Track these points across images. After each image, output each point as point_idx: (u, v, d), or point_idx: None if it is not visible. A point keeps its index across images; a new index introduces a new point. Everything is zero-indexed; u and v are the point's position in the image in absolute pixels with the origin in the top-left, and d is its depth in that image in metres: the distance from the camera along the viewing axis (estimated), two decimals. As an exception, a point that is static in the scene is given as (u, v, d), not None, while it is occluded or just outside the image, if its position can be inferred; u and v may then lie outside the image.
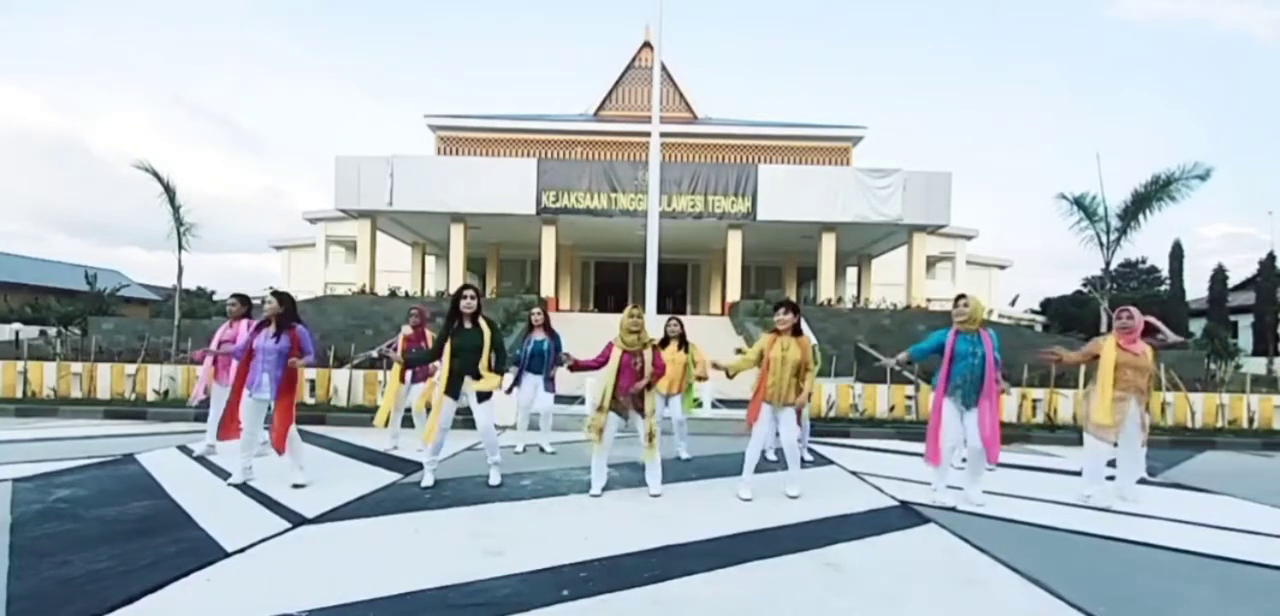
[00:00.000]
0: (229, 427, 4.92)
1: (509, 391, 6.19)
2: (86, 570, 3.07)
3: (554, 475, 5.50)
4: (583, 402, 8.53)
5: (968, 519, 4.34)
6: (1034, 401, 9.29)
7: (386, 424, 6.36)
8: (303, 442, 5.04)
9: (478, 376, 4.75)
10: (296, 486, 4.68)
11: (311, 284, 28.44)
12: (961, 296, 4.74)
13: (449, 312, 4.82)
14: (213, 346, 5.88)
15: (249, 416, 4.82)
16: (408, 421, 6.74)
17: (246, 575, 3.10)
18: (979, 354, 4.53)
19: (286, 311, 4.81)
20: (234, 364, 5.70)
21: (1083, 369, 9.84)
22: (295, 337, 4.78)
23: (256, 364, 4.77)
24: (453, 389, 4.74)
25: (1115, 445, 4.85)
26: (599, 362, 4.77)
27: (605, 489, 5.05)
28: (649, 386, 4.71)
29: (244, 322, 5.91)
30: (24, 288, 29.77)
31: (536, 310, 6.61)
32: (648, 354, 4.68)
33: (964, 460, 5.17)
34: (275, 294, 4.89)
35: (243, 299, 6.13)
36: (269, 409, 4.80)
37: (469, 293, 4.80)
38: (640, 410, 4.71)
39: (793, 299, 5.64)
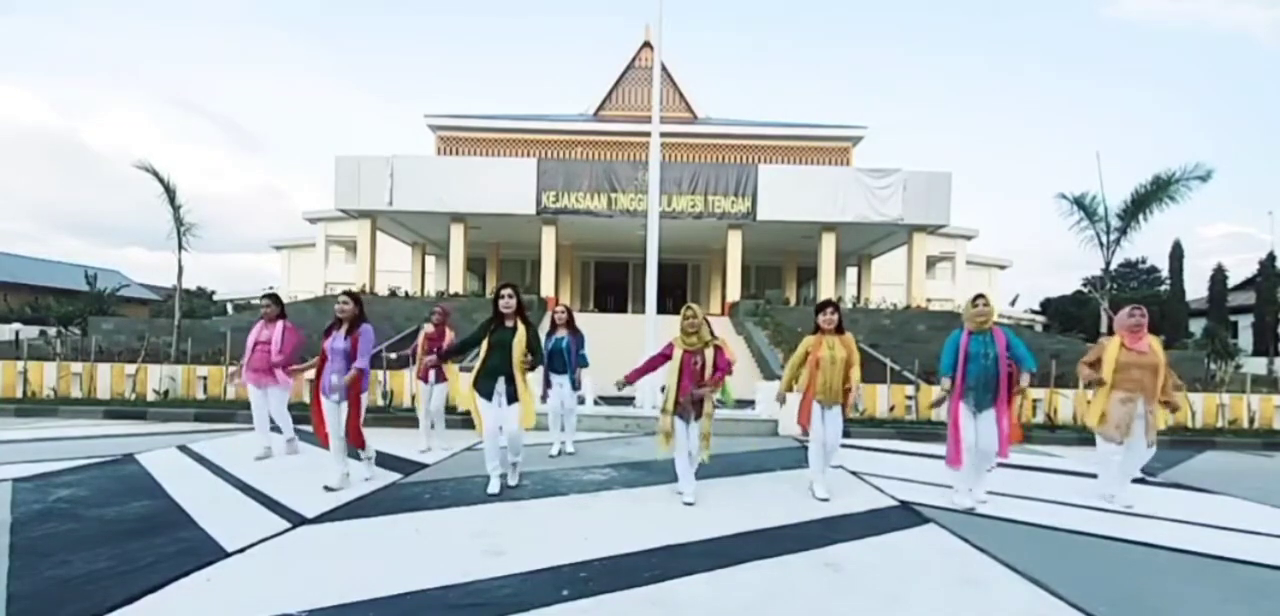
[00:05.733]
0: (321, 430, 4.80)
1: (542, 398, 6.16)
2: (86, 570, 3.07)
3: (554, 475, 5.50)
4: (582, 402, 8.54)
5: (968, 519, 4.34)
6: (1034, 401, 9.30)
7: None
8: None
9: (510, 377, 4.61)
10: (329, 489, 4.65)
11: (311, 284, 28.42)
12: (981, 296, 4.68)
13: (492, 313, 4.72)
14: (249, 347, 5.81)
15: (331, 419, 4.72)
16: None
17: (246, 575, 3.09)
18: (991, 354, 4.50)
19: (360, 312, 4.77)
20: (277, 366, 5.72)
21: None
22: (356, 339, 4.68)
23: (328, 368, 4.68)
24: (484, 387, 4.62)
25: (1121, 445, 4.76)
26: (656, 364, 4.66)
27: (605, 489, 5.05)
28: (712, 387, 4.63)
29: (280, 323, 5.85)
30: (24, 287, 29.77)
31: (561, 308, 6.50)
32: (709, 353, 4.58)
33: None
34: (350, 295, 4.80)
35: (275, 298, 6.04)
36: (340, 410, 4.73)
37: (506, 291, 4.69)
38: (698, 413, 4.61)
39: (833, 298, 5.68)
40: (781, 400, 5.27)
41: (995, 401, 4.48)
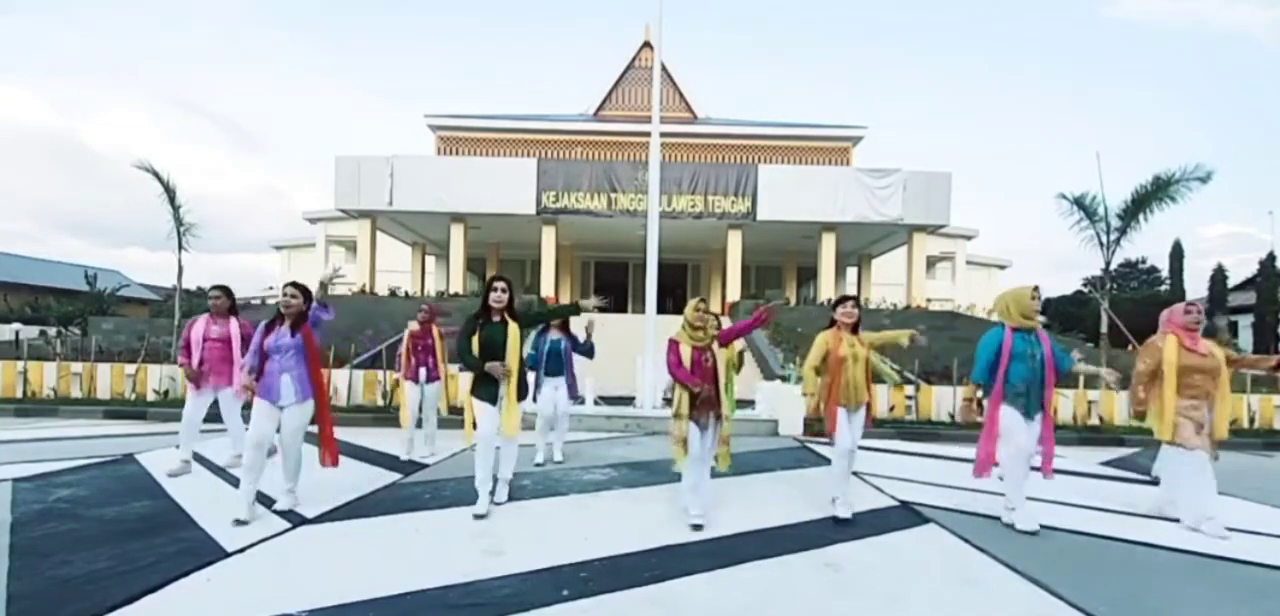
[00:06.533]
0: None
1: (533, 398, 5.74)
2: (86, 570, 3.07)
3: (554, 475, 5.50)
4: (582, 402, 8.53)
5: (968, 519, 4.34)
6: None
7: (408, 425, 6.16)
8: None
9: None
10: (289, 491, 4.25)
11: (311, 284, 28.42)
12: (1037, 287, 4.16)
13: (480, 307, 4.35)
14: (195, 345, 5.25)
15: (261, 428, 4.01)
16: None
17: (246, 575, 3.09)
18: (1038, 355, 4.04)
19: (308, 306, 4.25)
20: (239, 366, 5.13)
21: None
22: (309, 333, 4.17)
23: (272, 367, 4.09)
24: (485, 391, 4.25)
25: (1214, 457, 4.22)
26: (676, 366, 4.14)
27: (605, 489, 5.04)
28: (769, 317, 4.20)
29: (233, 320, 5.41)
30: (24, 287, 29.76)
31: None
32: (716, 347, 4.16)
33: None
34: (297, 287, 4.26)
35: (226, 291, 5.53)
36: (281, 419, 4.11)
37: (500, 286, 4.28)
38: (717, 413, 4.13)
39: (853, 293, 4.98)
40: (816, 407, 4.51)
41: (1042, 408, 4.04)
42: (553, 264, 19.35)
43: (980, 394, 4.26)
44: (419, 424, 6.33)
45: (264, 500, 4.36)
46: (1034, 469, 4.17)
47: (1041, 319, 4.22)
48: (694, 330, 4.16)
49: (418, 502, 4.49)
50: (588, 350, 6.03)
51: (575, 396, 6.17)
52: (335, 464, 4.27)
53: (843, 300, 4.53)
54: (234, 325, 5.41)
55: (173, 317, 12.52)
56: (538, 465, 5.82)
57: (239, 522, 3.82)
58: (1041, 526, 4.10)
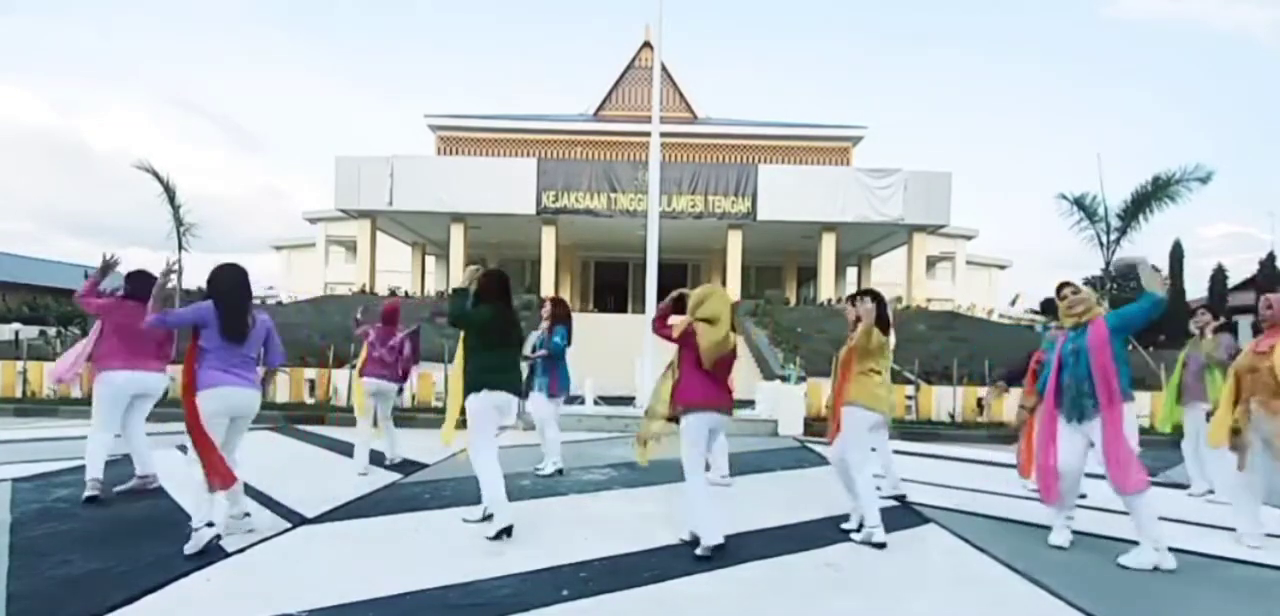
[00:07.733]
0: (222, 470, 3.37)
1: (552, 394, 5.57)
2: (86, 570, 3.07)
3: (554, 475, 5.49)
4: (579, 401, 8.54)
5: (968, 519, 4.34)
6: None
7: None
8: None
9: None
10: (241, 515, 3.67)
11: (311, 284, 28.45)
12: (1067, 284, 3.84)
13: None
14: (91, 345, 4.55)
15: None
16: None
17: (246, 575, 3.09)
18: (1081, 349, 3.61)
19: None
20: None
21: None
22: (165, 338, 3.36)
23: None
24: None
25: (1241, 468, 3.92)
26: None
27: (605, 489, 5.03)
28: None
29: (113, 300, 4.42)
30: (24, 287, 29.77)
31: (547, 304, 5.80)
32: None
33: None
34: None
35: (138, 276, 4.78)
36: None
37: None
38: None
39: (868, 288, 4.36)
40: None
41: (1098, 409, 3.56)
42: (553, 264, 19.37)
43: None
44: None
45: (267, 502, 4.37)
46: (1097, 476, 3.83)
47: (1041, 320, 4.18)
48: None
49: (418, 502, 4.49)
50: (556, 346, 5.59)
51: (569, 397, 6.07)
52: (222, 487, 3.37)
53: (851, 298, 4.18)
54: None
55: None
56: (540, 470, 5.58)
57: (243, 516, 3.68)
58: (1039, 526, 4.08)
